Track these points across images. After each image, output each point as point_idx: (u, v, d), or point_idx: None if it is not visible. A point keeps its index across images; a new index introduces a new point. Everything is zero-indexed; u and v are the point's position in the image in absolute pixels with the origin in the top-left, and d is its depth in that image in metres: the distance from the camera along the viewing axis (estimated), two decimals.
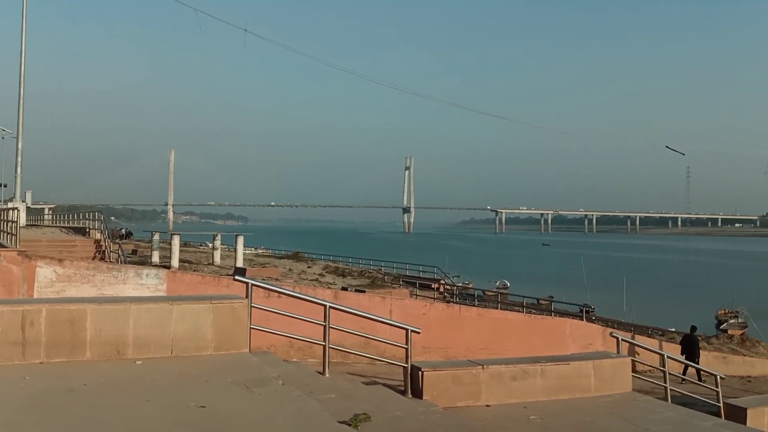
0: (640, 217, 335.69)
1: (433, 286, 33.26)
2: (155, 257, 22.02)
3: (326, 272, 29.68)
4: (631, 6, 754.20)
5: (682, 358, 18.88)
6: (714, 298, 52.59)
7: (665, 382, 11.48)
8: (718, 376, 13.55)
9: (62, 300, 9.37)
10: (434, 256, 68.47)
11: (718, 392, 13.01)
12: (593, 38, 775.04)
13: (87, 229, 25.64)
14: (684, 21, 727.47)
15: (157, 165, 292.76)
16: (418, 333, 8.36)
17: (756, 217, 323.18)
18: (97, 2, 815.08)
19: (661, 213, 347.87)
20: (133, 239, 43.29)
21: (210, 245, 28.98)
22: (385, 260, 43.68)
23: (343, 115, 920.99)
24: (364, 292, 19.20)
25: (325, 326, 7.85)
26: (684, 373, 17.33)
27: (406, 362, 8.03)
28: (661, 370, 12.20)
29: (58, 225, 32.92)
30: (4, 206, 24.14)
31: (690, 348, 20.34)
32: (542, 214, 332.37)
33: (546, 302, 33.84)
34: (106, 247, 20.97)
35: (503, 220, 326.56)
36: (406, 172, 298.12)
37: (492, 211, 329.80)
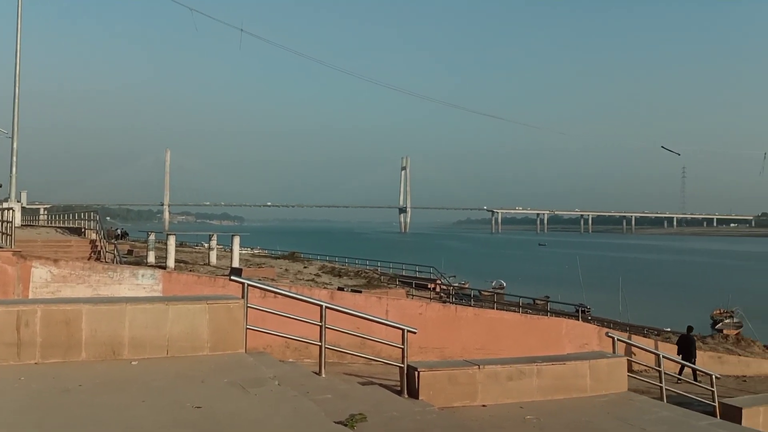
0: (635, 217, 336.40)
1: (429, 286, 33.22)
2: (151, 257, 21.96)
3: (322, 272, 29.68)
4: (629, 6, 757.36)
5: (679, 358, 18.92)
6: (709, 298, 52.77)
7: (661, 382, 11.50)
8: (714, 376, 13.60)
9: (57, 300, 9.33)
10: (430, 256, 68.48)
11: (713, 392, 13.04)
12: (592, 38, 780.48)
13: (82, 230, 25.59)
14: (681, 21, 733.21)
15: (153, 165, 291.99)
16: (415, 333, 8.35)
17: (751, 217, 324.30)
18: (97, 2, 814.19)
19: (657, 213, 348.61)
20: (129, 239, 43.09)
21: (206, 245, 28.95)
22: (381, 260, 43.64)
23: (342, 116, 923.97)
24: (360, 292, 19.21)
25: (321, 326, 7.84)
26: (680, 373, 17.38)
27: (403, 362, 8.03)
28: (656, 369, 12.23)
29: (53, 225, 32.84)
30: None
31: (687, 348, 20.38)
32: (538, 214, 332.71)
33: (542, 302, 33.91)
34: (101, 248, 20.93)
35: (499, 220, 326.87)
36: (403, 172, 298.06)
37: (488, 211, 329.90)
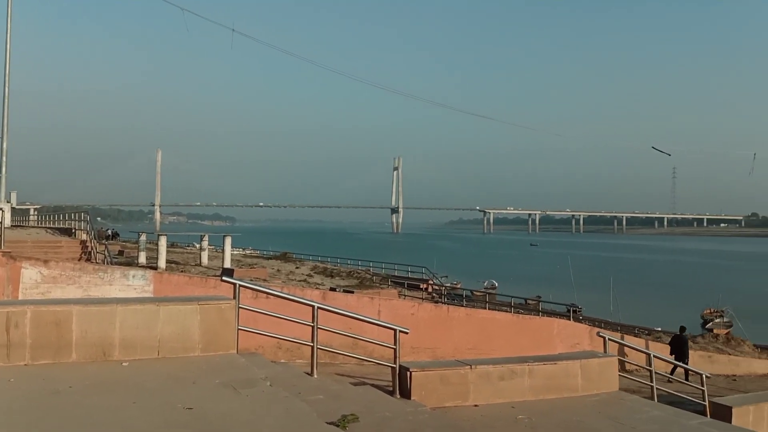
0: (626, 218, 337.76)
1: (421, 287, 33.25)
2: (142, 258, 21.88)
3: (314, 273, 29.66)
4: (629, 6, 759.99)
5: (671, 358, 19.02)
6: (699, 298, 53.06)
7: (652, 381, 11.56)
8: (704, 375, 13.67)
9: (48, 301, 9.27)
10: (422, 256, 68.63)
11: (703, 391, 13.11)
12: (588, 38, 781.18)
13: (73, 230, 25.46)
14: (676, 21, 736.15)
15: (145, 166, 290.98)
16: (407, 333, 8.36)
17: (741, 218, 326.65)
18: (97, 2, 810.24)
19: (648, 213, 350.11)
20: (120, 240, 42.93)
21: (197, 246, 28.85)
22: (373, 261, 43.66)
23: (339, 116, 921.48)
24: (352, 292, 19.20)
25: (313, 327, 7.83)
26: (672, 373, 17.45)
27: (395, 363, 8.03)
28: (647, 369, 12.29)
29: (43, 226, 32.67)
30: None
31: (679, 348, 20.48)
32: (530, 215, 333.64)
33: (534, 302, 33.99)
34: (92, 248, 20.81)
35: (491, 221, 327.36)
36: (395, 172, 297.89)
37: (480, 211, 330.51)
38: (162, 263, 20.86)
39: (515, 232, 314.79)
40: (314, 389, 6.92)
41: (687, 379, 16.82)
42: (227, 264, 22.64)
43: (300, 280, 25.35)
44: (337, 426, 5.57)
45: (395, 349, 8.13)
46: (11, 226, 27.12)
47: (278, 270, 28.16)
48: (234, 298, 7.60)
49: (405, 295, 26.94)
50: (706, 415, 11.31)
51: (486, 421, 7.50)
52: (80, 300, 9.89)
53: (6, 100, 27.02)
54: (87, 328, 6.75)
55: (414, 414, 6.68)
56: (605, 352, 10.31)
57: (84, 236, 22.72)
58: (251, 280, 14.52)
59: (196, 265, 24.38)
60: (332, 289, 20.94)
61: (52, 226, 31.02)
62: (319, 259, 42.23)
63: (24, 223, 38.67)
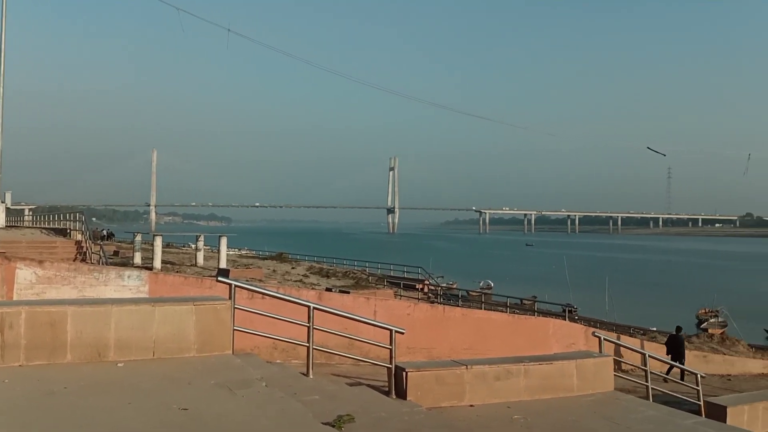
0: (621, 218, 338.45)
1: (417, 287, 33.29)
2: (137, 258, 21.83)
3: (310, 273, 29.63)
4: (629, 6, 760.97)
5: (667, 358, 19.05)
6: (694, 298, 53.21)
7: (647, 381, 11.58)
8: (699, 375, 13.70)
9: (42, 302, 9.25)
10: (418, 256, 68.56)
11: (698, 391, 13.14)
12: (588, 38, 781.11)
13: (68, 230, 25.40)
14: (675, 21, 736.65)
15: (141, 166, 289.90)
16: (402, 333, 8.36)
17: (736, 218, 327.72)
18: (96, 2, 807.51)
19: (643, 213, 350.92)
20: (115, 240, 42.90)
21: (193, 246, 28.79)
22: (369, 261, 43.68)
23: (334, 116, 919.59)
24: (348, 293, 19.18)
25: (309, 327, 7.83)
26: (668, 373, 17.48)
27: (390, 363, 8.03)
28: (642, 369, 12.32)
29: (38, 226, 32.60)
30: None
31: (676, 348, 20.51)
32: (525, 215, 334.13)
33: (529, 302, 34.05)
34: (87, 249, 20.75)
35: (487, 221, 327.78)
36: (391, 172, 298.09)
37: (476, 211, 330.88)
38: (157, 264, 20.81)
39: (511, 232, 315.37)
40: (310, 390, 6.92)
41: (682, 379, 16.87)
42: (223, 264, 22.64)
43: (296, 281, 25.33)
44: (333, 426, 5.57)
45: (391, 350, 8.13)
46: (6, 226, 27.07)
47: (274, 270, 28.12)
48: (230, 298, 7.59)
49: (401, 296, 26.95)
50: (701, 415, 11.36)
51: (482, 421, 7.51)
52: (75, 300, 9.86)
53: (1, 101, 26.91)
54: (82, 329, 6.73)
55: (410, 414, 6.69)
56: (600, 352, 10.34)
57: (79, 236, 22.67)
58: (247, 281, 14.51)
59: (191, 265, 24.35)
60: (328, 290, 20.92)
61: (47, 226, 30.96)
62: (315, 259, 42.22)
63: (19, 223, 38.60)
